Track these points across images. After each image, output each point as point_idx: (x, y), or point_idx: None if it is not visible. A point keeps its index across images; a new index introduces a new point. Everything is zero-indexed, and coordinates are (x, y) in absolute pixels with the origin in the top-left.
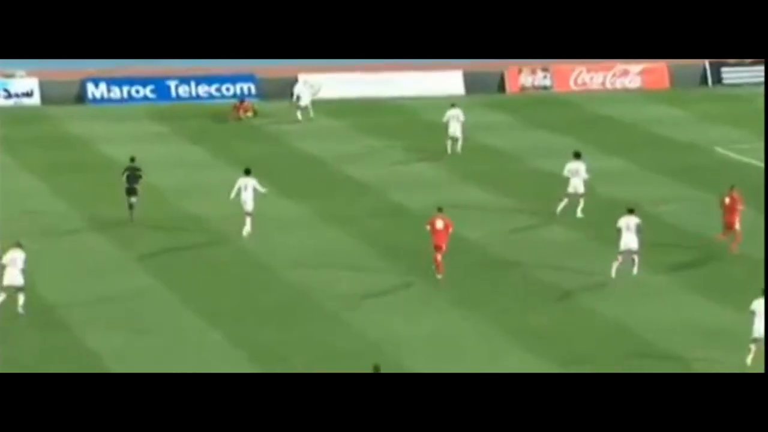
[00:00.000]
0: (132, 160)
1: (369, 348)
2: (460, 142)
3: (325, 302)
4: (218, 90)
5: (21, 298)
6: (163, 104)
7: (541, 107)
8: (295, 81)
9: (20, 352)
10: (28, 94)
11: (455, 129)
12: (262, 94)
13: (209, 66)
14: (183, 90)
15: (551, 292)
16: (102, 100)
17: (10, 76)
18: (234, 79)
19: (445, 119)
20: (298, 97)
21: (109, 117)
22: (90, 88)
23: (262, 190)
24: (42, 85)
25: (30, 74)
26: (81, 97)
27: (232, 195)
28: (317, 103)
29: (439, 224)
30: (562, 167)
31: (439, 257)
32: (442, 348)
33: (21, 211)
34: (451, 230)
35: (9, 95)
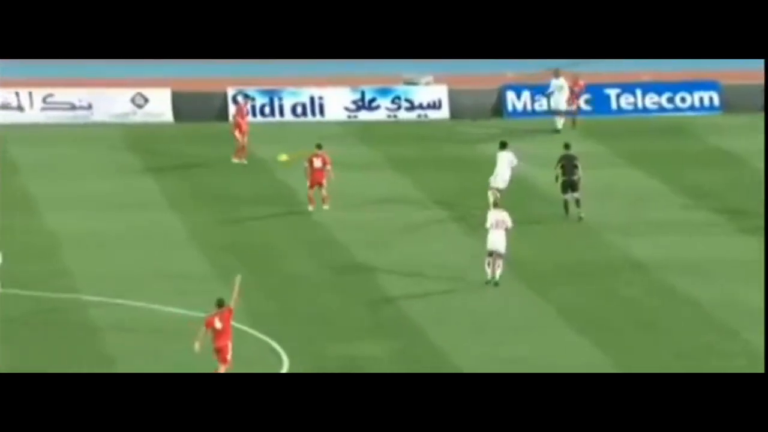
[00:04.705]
0: (566, 146)
1: None
2: None
3: None
4: (670, 100)
5: (499, 267)
6: (600, 118)
7: None
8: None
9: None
10: (435, 106)
11: None
12: (725, 105)
13: (661, 70)
14: (626, 100)
15: None
16: (524, 112)
17: (414, 83)
18: (691, 86)
19: None
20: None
21: (533, 134)
22: (510, 96)
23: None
24: (452, 95)
25: (438, 80)
26: (498, 109)
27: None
28: None
29: None
30: None
31: None
32: None
33: (429, 255)
34: None
35: (412, 106)
